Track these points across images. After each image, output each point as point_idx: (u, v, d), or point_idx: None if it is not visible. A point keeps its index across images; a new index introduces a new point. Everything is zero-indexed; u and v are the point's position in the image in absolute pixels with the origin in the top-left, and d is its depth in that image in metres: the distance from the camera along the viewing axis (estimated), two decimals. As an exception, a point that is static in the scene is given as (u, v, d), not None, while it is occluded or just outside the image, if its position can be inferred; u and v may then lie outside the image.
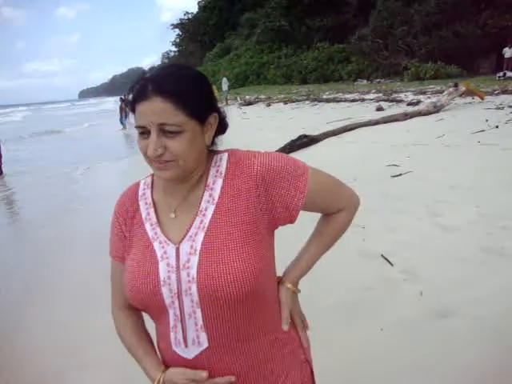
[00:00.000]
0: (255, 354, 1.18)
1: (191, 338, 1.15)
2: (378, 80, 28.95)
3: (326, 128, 11.15)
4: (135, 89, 1.10)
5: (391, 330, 3.06)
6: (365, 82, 30.08)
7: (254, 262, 1.09)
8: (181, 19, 74.58)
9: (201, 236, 1.12)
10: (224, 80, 30.87)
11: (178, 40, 79.30)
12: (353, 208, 1.33)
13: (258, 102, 25.93)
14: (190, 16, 73.59)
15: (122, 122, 24.46)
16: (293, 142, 9.79)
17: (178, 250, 1.13)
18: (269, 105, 23.25)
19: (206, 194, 1.15)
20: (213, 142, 1.21)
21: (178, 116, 1.06)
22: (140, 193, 1.27)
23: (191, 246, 1.11)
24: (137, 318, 1.31)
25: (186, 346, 1.15)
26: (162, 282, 1.12)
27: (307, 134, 10.18)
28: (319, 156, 9.01)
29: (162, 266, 1.13)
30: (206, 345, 1.14)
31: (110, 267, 1.31)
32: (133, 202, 1.26)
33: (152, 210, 1.22)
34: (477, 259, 3.81)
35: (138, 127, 1.10)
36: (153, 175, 1.28)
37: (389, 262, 4.01)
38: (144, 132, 1.09)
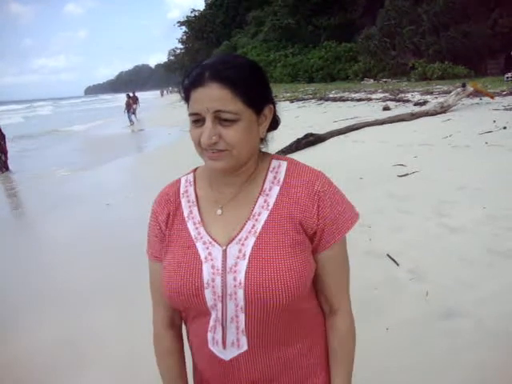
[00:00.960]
0: (290, 359, 1.17)
1: (230, 341, 1.13)
2: (384, 79, 28.87)
3: (333, 127, 11.15)
4: (191, 75, 1.07)
5: (397, 330, 3.05)
6: (371, 81, 30.01)
7: (302, 270, 1.08)
8: (187, 17, 74.58)
9: (251, 241, 1.09)
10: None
11: (184, 37, 79.32)
12: (350, 315, 1.24)
13: (264, 100, 25.92)
14: (196, 13, 73.58)
15: (129, 119, 24.86)
16: (299, 140, 9.78)
17: (225, 252, 1.10)
18: (275, 103, 23.24)
19: (261, 199, 1.12)
20: (264, 138, 1.18)
21: (235, 103, 1.03)
22: (182, 190, 1.22)
23: (240, 250, 1.09)
24: (181, 340, 1.30)
25: (225, 347, 1.14)
26: (205, 285, 1.10)
27: (313, 132, 10.18)
28: (325, 155, 9.01)
29: (206, 268, 1.10)
30: (245, 348, 1.13)
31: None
32: (174, 199, 1.22)
33: (195, 209, 1.18)
34: (483, 260, 3.80)
35: (192, 114, 1.06)
36: (194, 171, 1.25)
37: (395, 261, 4.01)
38: (198, 120, 1.06)
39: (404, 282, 3.67)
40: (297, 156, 9.38)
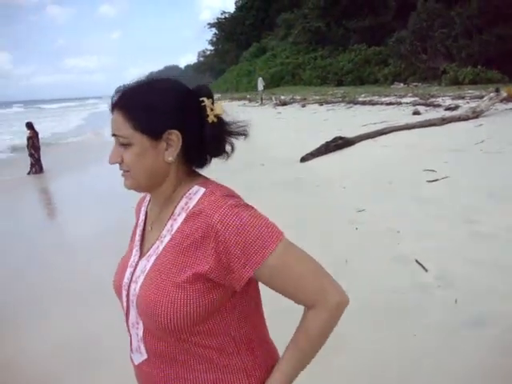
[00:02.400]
0: (191, 383, 1.14)
1: (135, 346, 1.20)
2: (415, 84, 28.51)
3: (362, 131, 11.10)
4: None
5: (424, 336, 3.05)
6: (401, 85, 29.68)
7: (182, 304, 1.05)
8: (218, 18, 75.28)
9: (152, 260, 1.14)
10: (260, 80, 30.99)
11: (214, 39, 79.94)
12: (329, 307, 1.11)
13: (292, 102, 25.93)
14: (227, 15, 74.14)
15: None
16: (328, 143, 9.80)
17: (137, 264, 1.19)
18: (304, 106, 23.23)
19: (169, 222, 1.15)
20: (200, 162, 1.18)
21: (126, 128, 1.09)
22: (147, 198, 1.32)
23: (144, 266, 1.15)
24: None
25: (132, 351, 1.22)
26: (123, 286, 1.20)
27: (342, 136, 10.16)
28: (354, 159, 9.00)
29: (127, 273, 1.20)
30: (145, 356, 1.17)
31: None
32: (141, 204, 1.34)
33: (143, 218, 1.29)
34: (514, 268, 3.76)
35: None
36: None
37: (423, 267, 4.00)
38: None
39: (432, 288, 3.66)
40: (325, 159, 9.40)
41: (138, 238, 1.25)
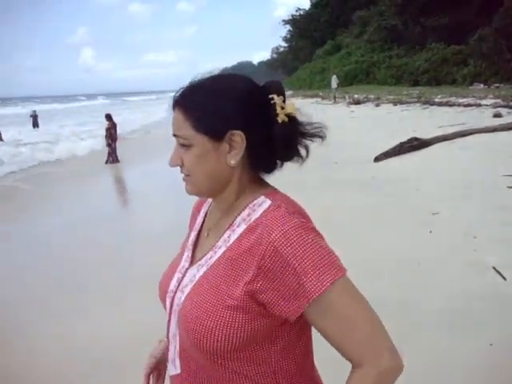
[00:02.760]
0: None
1: (171, 358, 1.13)
2: (496, 85, 27.30)
3: (437, 132, 10.92)
4: None
5: (501, 346, 2.99)
6: (481, 86, 28.51)
7: (225, 326, 0.96)
8: (292, 15, 75.16)
9: (202, 271, 1.05)
10: (334, 77, 30.88)
11: (288, 36, 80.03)
12: (379, 369, 0.94)
13: (366, 101, 25.67)
14: (301, 12, 73.93)
15: None
16: (402, 144, 9.76)
17: (186, 271, 1.11)
18: (378, 105, 22.96)
19: (227, 233, 1.05)
20: (268, 167, 1.08)
21: (186, 128, 1.02)
22: (209, 199, 1.21)
23: (193, 275, 1.06)
24: None
25: (168, 361, 1.16)
26: (168, 292, 1.13)
27: (417, 137, 10.07)
28: (429, 160, 8.90)
29: (174, 278, 1.13)
30: (178, 371, 1.10)
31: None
32: (200, 206, 1.25)
33: (201, 221, 1.20)
34: None
35: None
36: None
37: (501, 275, 3.94)
38: None
39: (511, 296, 3.59)
40: (400, 160, 9.36)
41: (191, 241, 1.17)
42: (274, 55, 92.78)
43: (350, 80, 45.04)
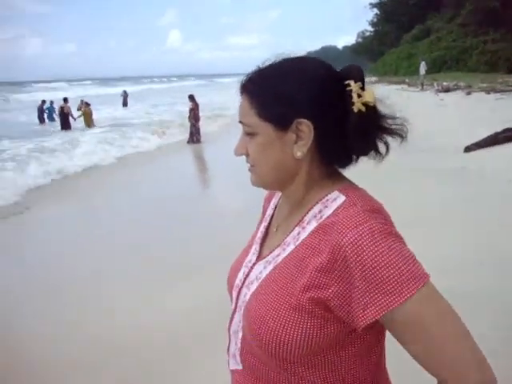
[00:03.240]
0: None
1: (232, 352, 1.10)
2: None
3: (537, 123, 10.32)
4: None
5: None
6: None
7: (292, 330, 0.90)
8: (380, -2, 72.84)
9: (269, 268, 1.00)
10: (422, 64, 29.77)
11: (374, 20, 77.74)
12: None
13: (456, 89, 24.54)
14: (390, -5, 71.46)
15: None
16: (497, 134, 9.36)
17: (253, 266, 1.06)
18: (469, 93, 21.91)
19: (297, 230, 0.99)
20: (342, 161, 1.00)
21: (251, 116, 0.96)
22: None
23: (260, 272, 1.02)
24: None
25: (229, 355, 1.11)
26: (235, 286, 1.10)
27: (514, 128, 9.61)
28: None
29: (241, 273, 1.10)
30: (240, 367, 1.07)
31: None
32: (271, 197, 1.21)
33: (271, 213, 1.16)
34: None
35: None
36: None
37: None
38: None
39: None
40: (492, 151, 9.00)
41: (259, 234, 1.13)
42: (360, 40, 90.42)
43: (438, 67, 43.10)
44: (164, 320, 3.84)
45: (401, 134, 0.98)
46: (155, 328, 3.72)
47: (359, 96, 0.92)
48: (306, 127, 0.93)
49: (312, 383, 0.96)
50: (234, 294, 1.08)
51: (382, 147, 0.98)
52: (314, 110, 0.92)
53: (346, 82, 0.93)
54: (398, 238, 0.89)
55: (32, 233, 6.97)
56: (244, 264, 1.09)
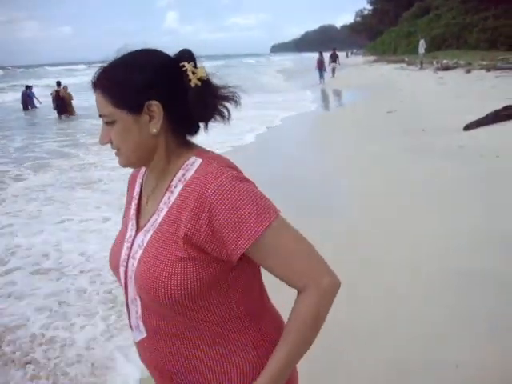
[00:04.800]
0: (198, 360, 1.15)
1: (134, 324, 1.20)
2: None
3: (538, 100, 10.20)
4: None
5: None
6: None
7: (180, 277, 1.05)
8: (379, -24, 71.86)
9: (149, 234, 1.13)
10: (421, 42, 29.41)
11: (373, -2, 76.81)
12: (320, 291, 1.08)
13: (456, 67, 24.28)
14: (390, -28, 70.41)
15: (320, 76, 25.96)
16: (497, 112, 9.25)
17: (134, 238, 1.18)
18: (469, 71, 21.68)
19: (167, 195, 1.13)
20: (191, 130, 1.17)
21: (107, 106, 1.09)
22: (142, 169, 1.29)
23: (142, 240, 1.14)
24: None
25: (132, 329, 1.22)
26: (121, 262, 1.20)
27: (515, 105, 9.49)
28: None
29: (124, 248, 1.20)
30: (144, 334, 1.18)
31: None
32: (136, 176, 1.32)
33: (138, 191, 1.27)
34: None
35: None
36: None
37: None
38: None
39: None
40: (492, 128, 8.91)
41: (132, 211, 1.24)
42: (358, 19, 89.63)
43: (438, 45, 42.60)
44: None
45: (235, 100, 1.15)
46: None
47: (194, 73, 1.10)
48: (155, 107, 1.08)
49: (212, 323, 1.12)
50: (122, 269, 1.18)
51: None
52: (159, 92, 1.08)
53: (181, 64, 1.10)
54: (251, 183, 1.10)
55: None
56: (125, 240, 1.20)
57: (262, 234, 1.03)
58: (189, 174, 1.10)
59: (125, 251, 1.19)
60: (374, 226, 4.98)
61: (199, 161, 1.11)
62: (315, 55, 28.57)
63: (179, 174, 1.12)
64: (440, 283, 3.69)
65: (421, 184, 6.33)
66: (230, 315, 1.14)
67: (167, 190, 1.13)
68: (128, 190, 1.33)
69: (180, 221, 1.06)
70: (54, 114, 18.18)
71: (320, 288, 1.08)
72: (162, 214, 1.11)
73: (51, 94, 18.71)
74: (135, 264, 1.12)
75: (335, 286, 1.10)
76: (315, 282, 1.08)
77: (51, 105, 18.61)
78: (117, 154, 1.16)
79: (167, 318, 1.12)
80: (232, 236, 1.03)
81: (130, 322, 1.22)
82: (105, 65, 1.12)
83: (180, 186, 1.10)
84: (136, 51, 1.13)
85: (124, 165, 1.17)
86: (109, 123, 1.11)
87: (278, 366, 1.09)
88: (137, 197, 1.26)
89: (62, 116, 17.83)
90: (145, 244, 1.12)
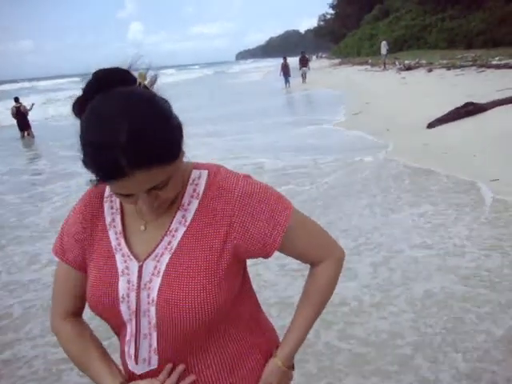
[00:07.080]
0: (203, 375, 1.14)
1: (142, 358, 1.11)
2: (559, 44, 25.69)
3: (495, 97, 10.49)
4: (99, 163, 0.90)
5: None
6: (543, 46, 26.89)
7: (216, 292, 1.04)
8: (340, -20, 73.02)
9: (166, 257, 1.05)
10: (383, 43, 30.01)
11: (335, 2, 77.99)
12: (336, 260, 1.25)
13: (418, 67, 24.82)
14: (349, -24, 71.61)
15: (286, 81, 26.06)
16: (458, 109, 9.49)
17: (141, 268, 1.07)
18: (430, 70, 22.17)
19: (179, 214, 1.07)
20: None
21: (165, 172, 0.94)
22: (106, 193, 1.16)
23: (155, 267, 1.05)
24: (84, 324, 1.24)
25: (137, 363, 1.12)
26: (120, 299, 1.08)
27: (474, 101, 9.74)
28: (487, 126, 8.62)
29: (121, 282, 1.08)
30: (155, 366, 1.11)
31: None
32: (96, 202, 1.16)
33: (118, 217, 1.13)
34: None
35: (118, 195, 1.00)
36: None
37: None
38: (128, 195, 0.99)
39: None
40: (454, 126, 9.12)
41: (115, 242, 1.11)
42: (321, 23, 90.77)
43: (399, 45, 43.52)
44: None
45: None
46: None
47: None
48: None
49: (229, 333, 1.15)
50: (126, 305, 1.08)
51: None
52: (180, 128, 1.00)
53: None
54: (262, 182, 1.14)
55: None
56: (119, 274, 1.08)
57: (290, 221, 1.10)
58: (201, 188, 1.08)
59: (124, 285, 1.07)
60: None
61: (205, 172, 1.10)
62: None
63: (189, 191, 1.08)
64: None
65: (387, 184, 6.42)
66: (238, 321, 1.18)
67: (178, 210, 1.07)
68: (82, 226, 1.15)
69: (209, 232, 1.06)
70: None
71: (335, 258, 1.24)
72: (180, 234, 1.06)
73: (11, 110, 17.84)
74: (153, 294, 1.04)
75: (344, 255, 1.27)
76: (332, 253, 1.24)
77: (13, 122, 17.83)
78: (159, 210, 1.05)
79: (188, 339, 1.08)
80: (269, 226, 1.08)
81: (136, 357, 1.11)
82: (119, 139, 0.87)
83: (195, 202, 1.07)
84: (134, 96, 0.94)
85: (164, 209, 1.07)
86: (163, 185, 0.97)
87: (304, 325, 1.23)
88: (114, 224, 1.12)
89: (25, 132, 17.16)
90: (163, 269, 1.04)
